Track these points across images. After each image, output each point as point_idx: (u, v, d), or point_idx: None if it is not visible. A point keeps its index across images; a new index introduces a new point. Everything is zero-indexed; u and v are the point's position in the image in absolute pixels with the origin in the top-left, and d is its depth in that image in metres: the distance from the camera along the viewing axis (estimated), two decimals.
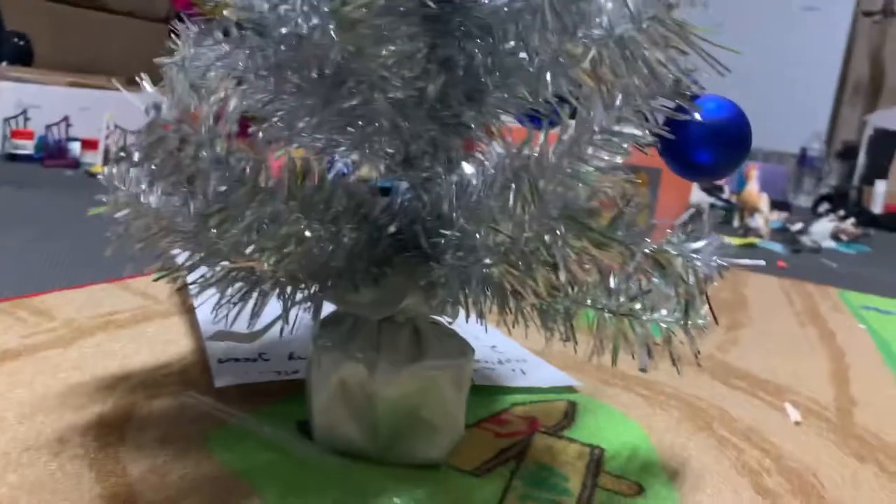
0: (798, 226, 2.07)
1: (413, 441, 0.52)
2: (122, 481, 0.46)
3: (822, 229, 2.06)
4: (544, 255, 0.37)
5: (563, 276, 0.36)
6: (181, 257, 0.50)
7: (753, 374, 0.82)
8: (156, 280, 0.51)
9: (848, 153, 3.32)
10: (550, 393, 0.69)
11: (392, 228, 0.49)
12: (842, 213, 2.36)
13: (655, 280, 0.43)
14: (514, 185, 0.39)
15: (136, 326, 0.73)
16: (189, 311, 0.77)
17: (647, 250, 0.42)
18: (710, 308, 0.46)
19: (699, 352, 0.53)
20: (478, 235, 0.42)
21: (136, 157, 0.43)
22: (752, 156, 2.49)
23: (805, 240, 1.95)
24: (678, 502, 0.52)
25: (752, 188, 2.04)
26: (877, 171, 2.96)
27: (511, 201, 0.38)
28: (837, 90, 3.58)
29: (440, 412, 0.52)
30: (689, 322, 0.51)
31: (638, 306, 0.53)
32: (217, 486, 0.46)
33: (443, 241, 0.47)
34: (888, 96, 3.51)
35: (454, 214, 0.47)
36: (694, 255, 0.43)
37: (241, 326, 0.53)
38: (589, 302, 0.53)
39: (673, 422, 0.66)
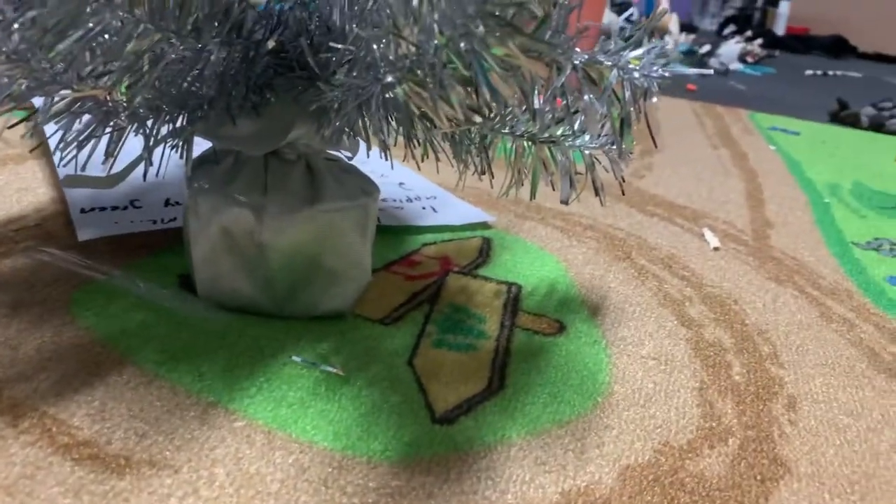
0: (706, 48, 2.04)
1: (314, 291, 0.46)
2: None
3: (730, 51, 2.03)
4: (459, 69, 0.30)
5: (485, 94, 0.30)
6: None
7: (670, 200, 0.80)
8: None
9: None
10: (463, 230, 0.64)
11: (271, 44, 0.40)
12: (749, 33, 2.33)
13: (585, 98, 0.37)
14: None
15: None
16: (48, 154, 0.67)
17: (577, 61, 0.36)
18: (649, 127, 0.41)
19: (624, 179, 0.49)
20: (376, 47, 0.35)
21: None
22: None
23: (713, 62, 1.92)
24: (601, 338, 0.49)
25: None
26: None
27: None
28: None
29: (343, 259, 0.46)
30: (620, 147, 0.46)
31: (560, 132, 0.47)
32: (82, 354, 0.40)
33: (334, 58, 0.38)
34: None
35: (346, 24, 0.39)
36: (631, 67, 0.36)
37: (97, 170, 0.44)
38: (507, 129, 0.47)
39: (591, 253, 0.63)
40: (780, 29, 3.00)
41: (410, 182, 0.72)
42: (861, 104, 1.42)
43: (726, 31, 2.69)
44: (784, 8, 3.06)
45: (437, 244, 0.61)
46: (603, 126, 0.46)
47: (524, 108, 0.42)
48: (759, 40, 2.21)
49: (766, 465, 0.39)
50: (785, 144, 1.14)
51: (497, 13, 0.27)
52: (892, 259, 0.71)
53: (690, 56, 2.01)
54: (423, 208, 0.66)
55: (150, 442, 0.34)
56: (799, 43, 2.77)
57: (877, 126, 1.35)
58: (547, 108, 0.43)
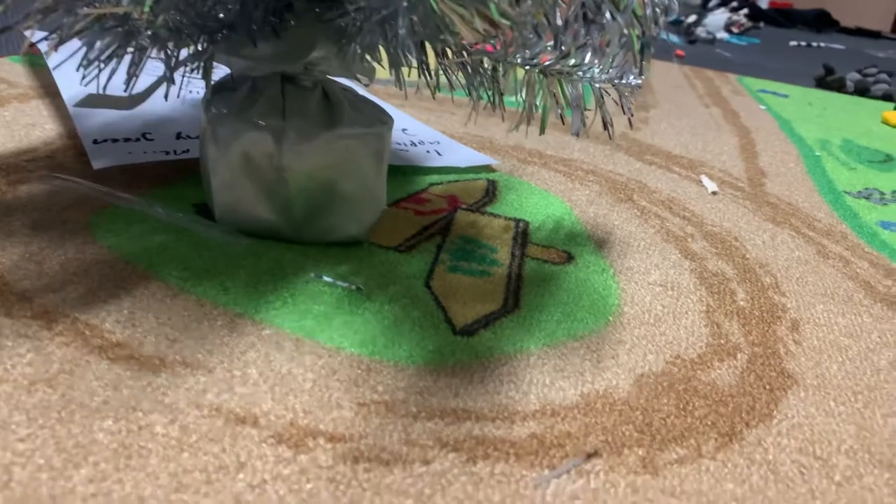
0: (692, 17, 2.05)
1: (331, 217, 0.47)
2: None
3: (716, 21, 2.04)
4: None
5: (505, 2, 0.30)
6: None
7: (667, 151, 0.81)
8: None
9: None
10: (468, 172, 0.65)
11: None
12: (734, 3, 2.34)
13: (606, 19, 0.38)
14: None
15: None
16: (53, 95, 0.67)
17: None
18: (641, 54, 0.42)
19: (633, 113, 0.50)
20: None
21: None
22: None
23: (699, 31, 1.94)
24: (608, 267, 0.51)
25: None
26: None
27: None
28: None
29: (359, 185, 0.47)
30: (627, 79, 0.47)
31: (572, 62, 0.48)
32: (107, 269, 0.40)
33: None
34: None
35: None
36: None
37: (115, 90, 0.45)
38: (519, 60, 0.48)
39: (594, 195, 0.64)
40: (763, 2, 3.02)
41: (413, 128, 0.72)
42: (845, 71, 1.44)
43: (712, 2, 2.70)
44: None
45: (444, 184, 0.61)
46: (615, 56, 0.47)
47: (539, 33, 0.43)
48: (745, 10, 2.23)
49: (774, 377, 0.40)
50: (774, 105, 1.15)
51: None
52: (883, 207, 0.73)
53: (677, 25, 2.02)
54: (428, 152, 0.67)
55: (181, 346, 0.35)
56: (782, 16, 2.79)
57: (862, 91, 1.37)
58: (562, 38, 0.44)
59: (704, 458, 0.33)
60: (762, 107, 1.12)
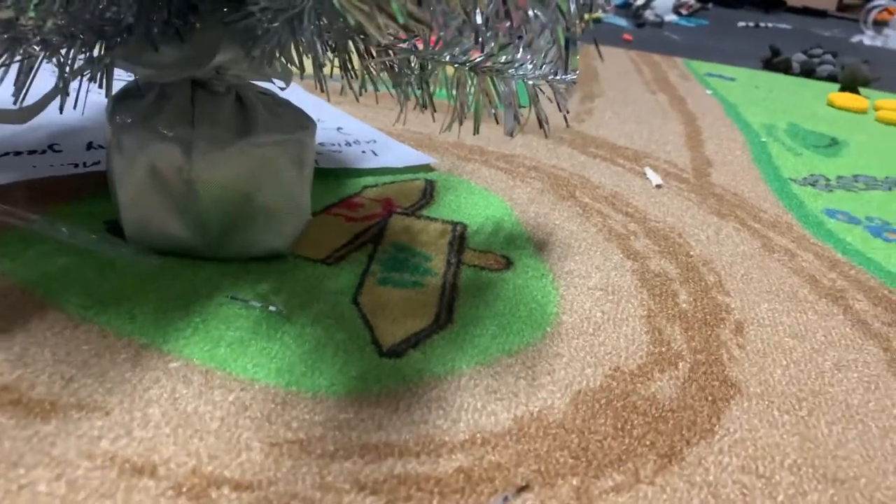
0: (640, 0, 2.04)
1: (250, 231, 0.44)
2: None
3: (665, 3, 2.04)
4: None
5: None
6: None
7: (611, 142, 0.79)
8: None
9: None
10: (405, 173, 0.62)
11: None
12: None
13: (532, 13, 0.36)
14: None
15: None
16: None
17: None
18: (596, 44, 0.39)
19: (568, 110, 0.47)
20: None
21: None
22: None
23: (648, 14, 1.93)
24: (548, 271, 0.49)
25: None
26: None
27: None
28: None
29: (279, 196, 0.44)
30: (562, 75, 0.45)
31: (503, 59, 0.45)
32: (0, 300, 0.37)
33: None
34: None
35: None
36: None
37: (7, 103, 0.41)
38: (447, 58, 0.45)
39: (535, 193, 0.62)
40: None
41: (349, 127, 0.69)
42: (792, 52, 1.44)
43: None
44: None
45: (379, 186, 0.59)
46: (547, 52, 0.44)
47: (465, 28, 0.41)
48: None
49: (716, 387, 0.39)
50: (721, 89, 1.14)
51: None
52: (829, 194, 0.72)
53: (626, 9, 2.01)
54: (363, 152, 0.64)
55: (77, 385, 0.32)
56: None
57: (808, 72, 1.37)
58: (489, 34, 0.41)
59: (642, 484, 0.31)
60: (709, 91, 1.12)
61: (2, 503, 0.26)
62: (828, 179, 0.76)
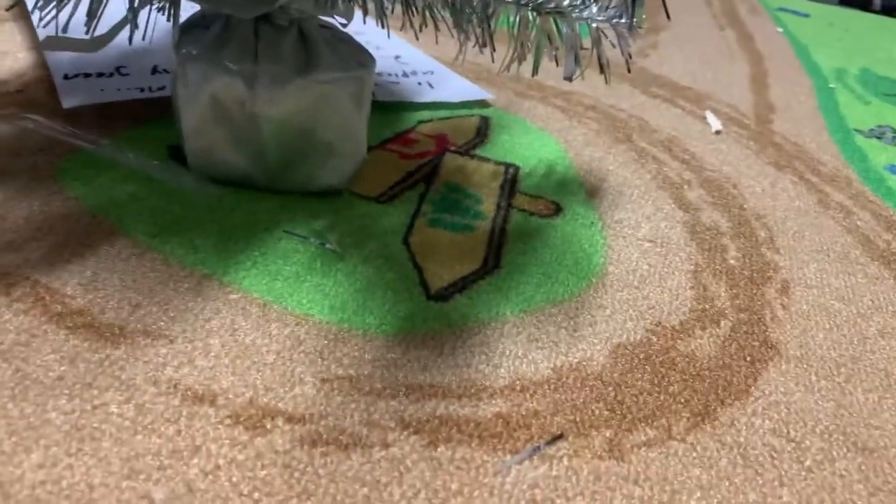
0: None
1: (309, 166, 0.45)
2: None
3: None
4: None
5: None
6: None
7: (674, 81, 0.78)
8: None
9: None
10: (461, 108, 0.62)
11: None
12: None
13: None
14: None
15: None
16: (28, 16, 0.64)
17: None
18: None
19: (631, 55, 0.47)
20: None
21: None
22: None
23: None
24: (597, 220, 0.49)
25: None
26: None
27: None
28: None
29: (338, 133, 0.45)
30: (630, 18, 0.44)
31: (566, 2, 0.45)
32: (72, 225, 0.39)
33: None
34: None
35: None
36: None
37: (81, 33, 0.42)
38: None
39: (592, 135, 0.62)
40: None
41: (407, 55, 0.69)
42: None
43: None
44: None
45: (434, 122, 0.59)
46: None
47: None
48: None
49: (756, 347, 0.39)
50: (792, 26, 1.10)
51: None
52: (894, 148, 0.70)
53: None
54: (420, 84, 0.64)
55: (144, 312, 0.34)
56: None
57: (889, 9, 1.30)
58: None
59: (674, 441, 0.33)
60: (779, 29, 1.07)
61: (78, 421, 0.28)
62: (895, 131, 0.74)
